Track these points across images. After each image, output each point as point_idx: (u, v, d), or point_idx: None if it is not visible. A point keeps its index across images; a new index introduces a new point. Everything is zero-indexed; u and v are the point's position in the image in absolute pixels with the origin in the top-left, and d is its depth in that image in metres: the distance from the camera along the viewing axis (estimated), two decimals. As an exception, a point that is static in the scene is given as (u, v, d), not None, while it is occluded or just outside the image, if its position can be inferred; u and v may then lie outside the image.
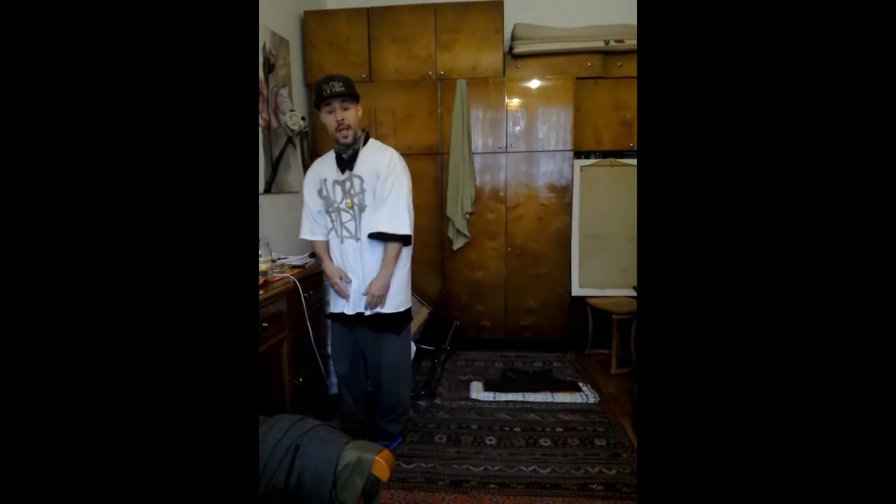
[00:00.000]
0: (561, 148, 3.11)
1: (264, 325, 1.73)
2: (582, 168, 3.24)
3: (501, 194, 3.18)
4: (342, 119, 1.78)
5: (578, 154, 3.21)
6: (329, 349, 2.19)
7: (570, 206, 3.17)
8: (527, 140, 3.13)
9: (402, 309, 1.97)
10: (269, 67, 2.69)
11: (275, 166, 2.73)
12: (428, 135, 3.15)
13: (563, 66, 3.15)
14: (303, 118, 2.96)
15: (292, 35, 3.04)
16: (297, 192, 3.04)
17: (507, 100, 3.09)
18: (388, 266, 1.87)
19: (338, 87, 1.76)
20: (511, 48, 3.21)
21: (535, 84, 3.10)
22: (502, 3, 3.05)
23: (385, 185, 1.83)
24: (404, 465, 1.97)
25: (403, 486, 1.84)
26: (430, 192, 3.16)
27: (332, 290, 2.00)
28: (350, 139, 1.82)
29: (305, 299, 2.03)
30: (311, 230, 2.00)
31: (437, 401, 2.56)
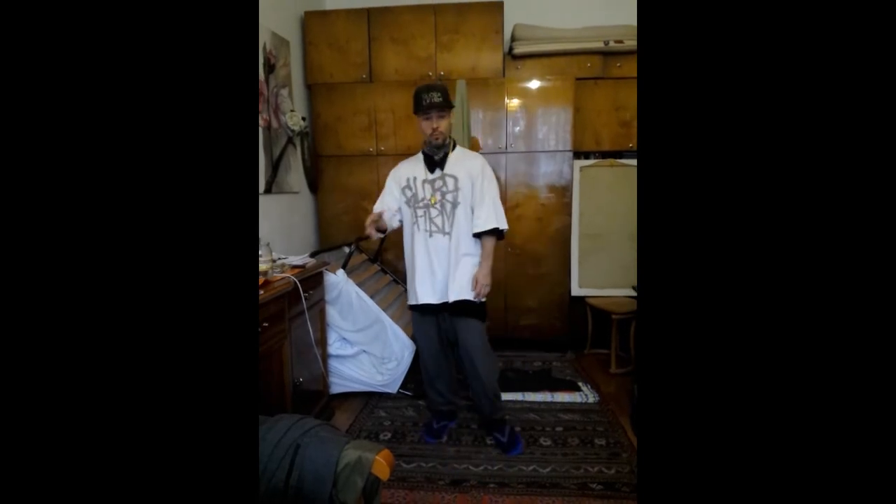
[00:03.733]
0: (560, 148, 3.11)
1: (264, 324, 1.74)
2: (581, 168, 3.25)
3: (501, 194, 3.17)
4: (437, 127, 1.96)
5: (578, 154, 3.21)
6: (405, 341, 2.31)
7: (569, 206, 3.17)
8: (526, 140, 3.13)
9: (483, 298, 2.06)
10: (270, 68, 2.69)
11: (275, 167, 2.73)
12: (428, 135, 3.15)
13: (562, 66, 3.15)
14: (303, 118, 2.96)
15: (292, 35, 3.04)
16: (298, 193, 3.05)
17: (506, 100, 3.10)
18: (489, 258, 2.04)
19: (437, 98, 1.92)
20: (511, 49, 3.21)
21: (534, 84, 3.10)
22: (502, 3, 3.05)
23: (483, 186, 2.01)
24: (404, 465, 1.98)
25: (404, 486, 1.84)
26: (429, 192, 3.16)
27: (409, 284, 2.10)
28: (441, 142, 1.99)
29: (306, 299, 2.04)
30: (381, 203, 2.12)
31: (437, 401, 2.56)
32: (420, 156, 2.10)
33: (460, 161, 2.04)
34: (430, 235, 2.03)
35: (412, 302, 2.11)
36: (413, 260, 2.07)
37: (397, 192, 2.09)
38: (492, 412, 2.13)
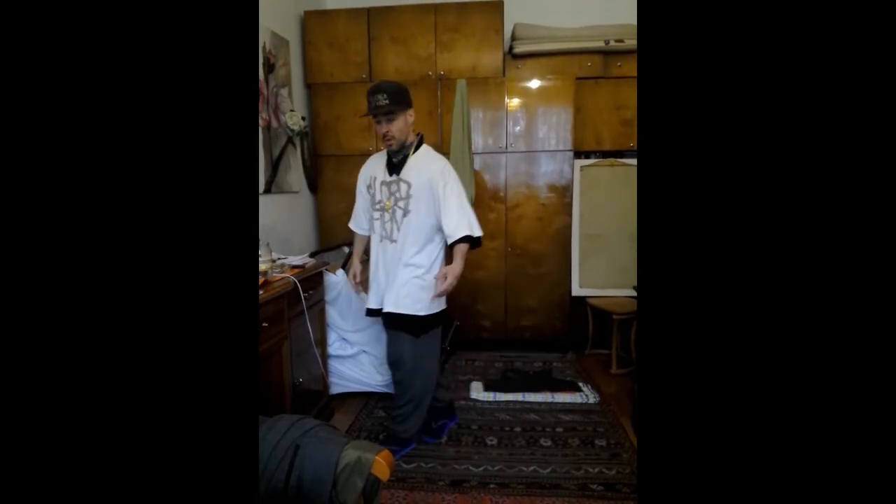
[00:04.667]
0: (561, 148, 3.11)
1: (264, 324, 1.73)
2: (582, 168, 3.24)
3: (501, 194, 3.18)
4: (387, 132, 1.87)
5: (578, 154, 3.21)
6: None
7: (570, 206, 3.17)
8: (527, 140, 3.13)
9: (420, 313, 1.95)
10: (270, 67, 2.69)
11: (275, 166, 2.73)
12: (428, 134, 3.12)
13: (563, 65, 3.15)
14: (303, 118, 2.96)
15: (292, 35, 3.04)
16: (298, 192, 3.05)
17: (507, 100, 3.09)
18: (462, 257, 1.92)
19: (382, 101, 1.81)
20: (511, 48, 3.21)
21: (535, 84, 3.10)
22: (502, 3, 3.05)
23: (446, 194, 1.89)
24: (404, 465, 1.98)
25: (403, 486, 1.84)
26: (430, 192, 3.16)
27: (371, 287, 2.09)
28: (395, 147, 1.91)
29: (305, 299, 2.03)
30: (356, 222, 2.16)
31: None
32: (383, 154, 2.03)
33: (419, 165, 1.92)
34: (381, 241, 1.99)
35: (367, 306, 2.11)
36: (372, 262, 2.07)
37: (365, 192, 2.06)
38: (400, 430, 2.07)
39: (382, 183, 1.96)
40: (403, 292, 1.93)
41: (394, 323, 1.98)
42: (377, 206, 1.98)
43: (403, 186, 1.91)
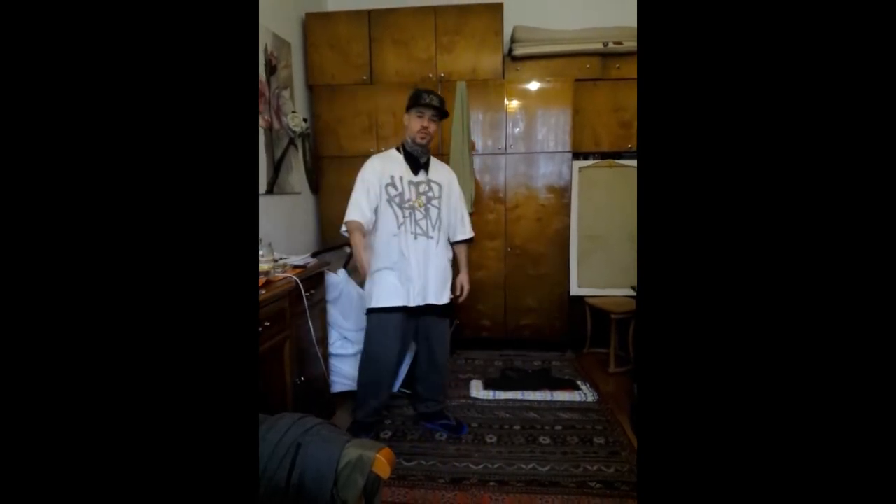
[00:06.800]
0: (560, 149, 3.13)
1: (266, 324, 1.75)
2: (581, 169, 3.26)
3: (501, 195, 3.20)
4: (428, 127, 2.03)
5: (577, 155, 3.23)
6: (362, 344, 2.23)
7: (569, 206, 3.19)
8: (526, 141, 3.15)
9: (450, 298, 2.24)
10: (271, 69, 2.71)
11: (276, 167, 2.75)
12: (428, 136, 3.17)
13: (562, 67, 3.16)
14: (304, 119, 2.98)
15: (294, 37, 3.06)
16: (299, 193, 3.07)
17: (506, 101, 3.11)
18: (468, 264, 2.31)
19: (436, 101, 2.02)
20: (510, 50, 3.23)
21: (534, 86, 3.12)
22: (502, 5, 3.07)
23: (460, 197, 2.21)
24: (405, 463, 2.00)
25: (404, 484, 1.86)
26: (430, 192, 3.18)
27: (381, 285, 2.07)
28: (426, 143, 2.07)
29: (307, 299, 2.05)
30: (360, 212, 1.95)
31: (438, 400, 2.58)
32: (394, 154, 2.10)
33: (438, 168, 2.16)
34: (416, 238, 2.06)
35: (390, 304, 2.05)
36: (395, 261, 2.04)
37: (378, 190, 1.99)
38: (441, 403, 2.32)
39: (411, 182, 2.07)
40: (448, 283, 2.18)
41: (445, 312, 2.18)
42: (407, 205, 2.05)
43: (435, 187, 2.11)
